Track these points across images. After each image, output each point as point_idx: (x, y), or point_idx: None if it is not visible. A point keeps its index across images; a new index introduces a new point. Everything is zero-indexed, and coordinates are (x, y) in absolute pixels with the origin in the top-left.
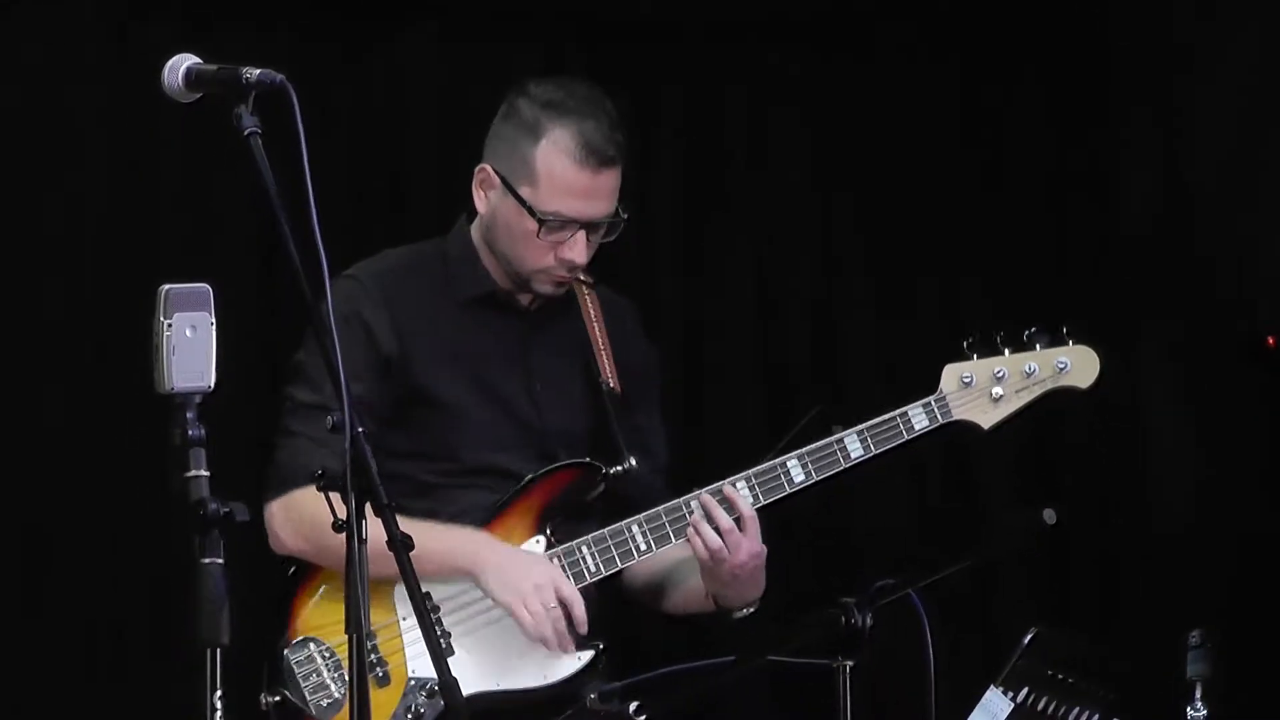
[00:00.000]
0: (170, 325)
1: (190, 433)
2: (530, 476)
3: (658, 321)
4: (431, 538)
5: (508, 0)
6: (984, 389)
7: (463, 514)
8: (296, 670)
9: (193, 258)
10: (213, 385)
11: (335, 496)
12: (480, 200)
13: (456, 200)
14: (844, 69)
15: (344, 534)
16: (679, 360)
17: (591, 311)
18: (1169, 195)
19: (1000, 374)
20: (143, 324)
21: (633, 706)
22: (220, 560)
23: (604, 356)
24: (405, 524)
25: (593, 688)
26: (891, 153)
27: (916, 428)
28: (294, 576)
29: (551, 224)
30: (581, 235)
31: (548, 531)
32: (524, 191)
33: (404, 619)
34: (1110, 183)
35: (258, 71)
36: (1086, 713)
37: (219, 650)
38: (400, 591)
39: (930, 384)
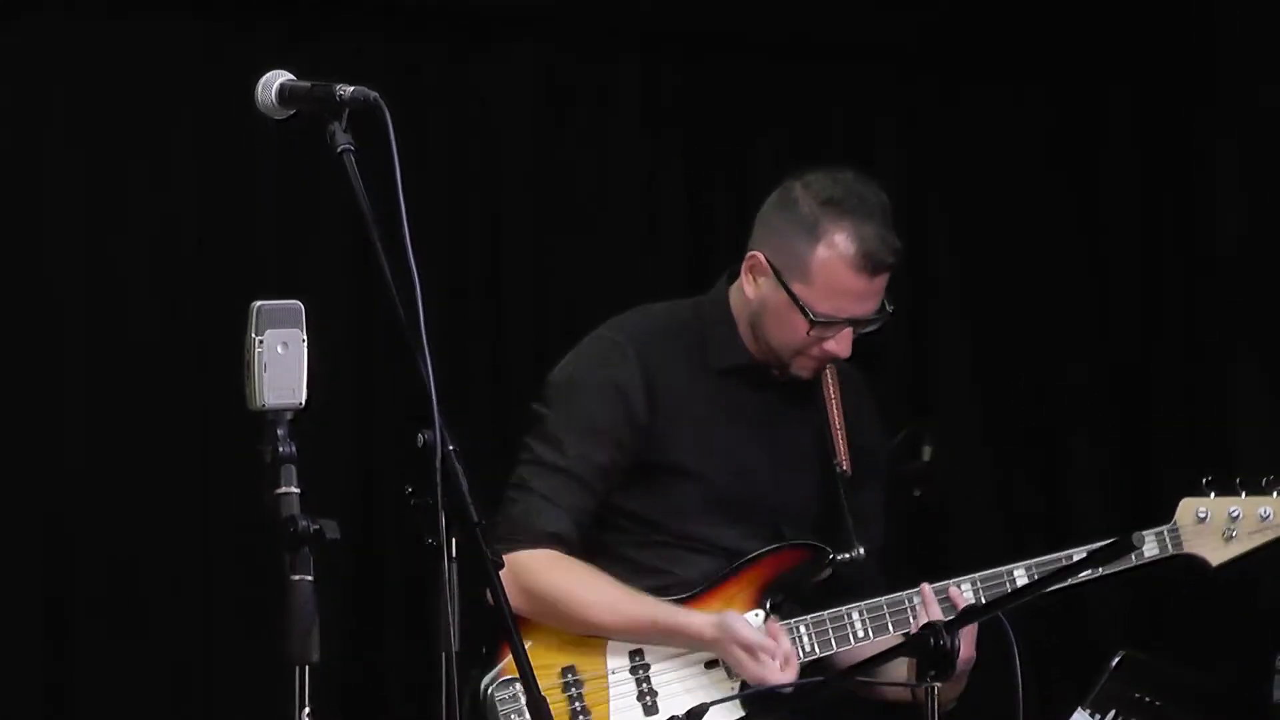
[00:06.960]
0: (262, 342)
1: (281, 449)
2: (758, 552)
3: None
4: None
5: (606, 19)
6: (1218, 527)
7: (686, 579)
8: (499, 707)
9: (285, 273)
10: (304, 402)
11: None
12: (749, 284)
13: (550, 220)
14: (936, 103)
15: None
16: None
17: (831, 388)
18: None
19: (1235, 514)
20: (236, 340)
21: None
22: (310, 578)
23: (839, 437)
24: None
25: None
26: (984, 183)
27: (1146, 554)
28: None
29: (823, 323)
30: (848, 331)
31: (768, 605)
32: (797, 289)
33: (613, 672)
34: (1202, 238)
35: (351, 89)
36: None
37: (308, 667)
38: (613, 645)
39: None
